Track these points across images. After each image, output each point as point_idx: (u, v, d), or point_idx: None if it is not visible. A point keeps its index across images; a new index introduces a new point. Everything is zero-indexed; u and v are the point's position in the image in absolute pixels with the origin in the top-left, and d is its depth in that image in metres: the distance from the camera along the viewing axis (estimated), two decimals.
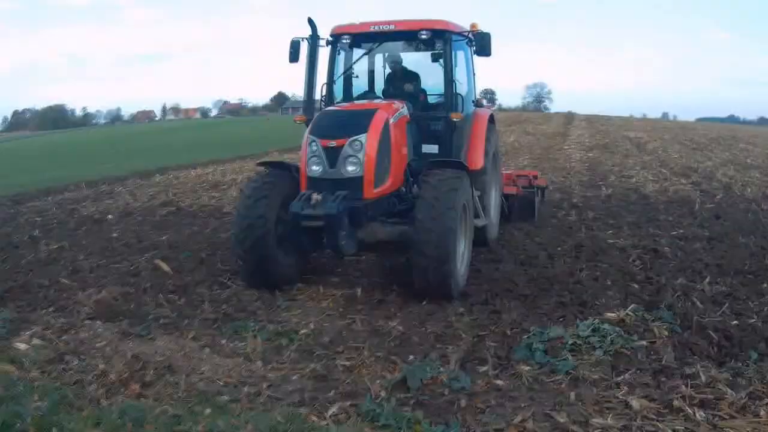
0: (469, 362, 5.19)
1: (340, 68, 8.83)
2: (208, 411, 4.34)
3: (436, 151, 8.30)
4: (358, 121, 7.26)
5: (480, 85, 9.76)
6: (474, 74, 9.49)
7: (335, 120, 7.47)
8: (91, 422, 4.21)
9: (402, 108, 7.85)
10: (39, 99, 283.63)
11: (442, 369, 4.90)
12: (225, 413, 4.26)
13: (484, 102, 10.76)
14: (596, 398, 4.42)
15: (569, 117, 51.07)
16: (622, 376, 4.77)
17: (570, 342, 5.30)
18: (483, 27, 8.24)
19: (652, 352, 5.19)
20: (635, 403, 4.31)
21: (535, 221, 10.77)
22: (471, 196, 7.73)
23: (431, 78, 8.74)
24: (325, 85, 8.72)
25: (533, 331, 5.62)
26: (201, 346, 5.63)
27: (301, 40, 8.30)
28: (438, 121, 8.38)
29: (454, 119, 8.09)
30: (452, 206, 6.82)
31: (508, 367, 5.02)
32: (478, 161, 8.69)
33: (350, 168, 7.06)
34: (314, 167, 7.14)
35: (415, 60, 9.04)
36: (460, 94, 8.37)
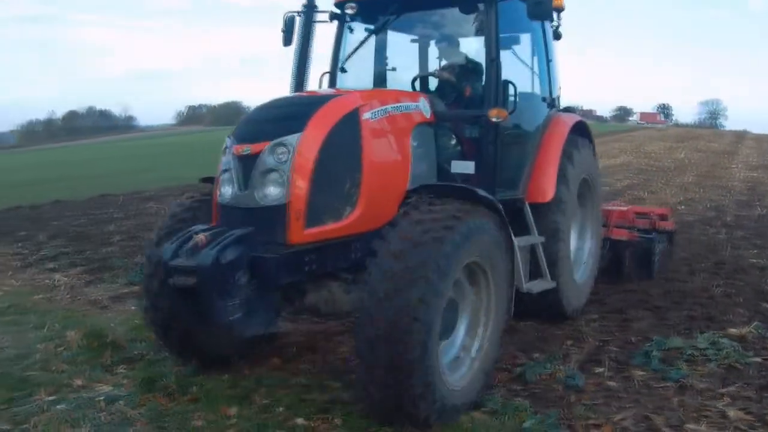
0: (588, 363, 5.50)
1: (351, 51, 6.48)
2: (337, 385, 5.01)
3: (472, 171, 5.59)
4: (292, 115, 4.64)
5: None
6: (549, 61, 6.72)
7: (264, 114, 4.83)
8: (227, 384, 5.08)
9: (407, 102, 5.31)
10: (213, 95, 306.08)
11: (560, 367, 5.31)
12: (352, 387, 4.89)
13: (559, 105, 7.14)
14: (698, 406, 4.62)
15: (740, 136, 48.85)
16: (727, 388, 4.94)
17: (687, 353, 5.54)
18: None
19: (763, 369, 5.29)
20: (732, 413, 4.49)
21: (653, 277, 8.08)
22: (501, 248, 4.74)
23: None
24: (326, 75, 6.54)
25: (654, 340, 5.87)
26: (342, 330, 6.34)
27: (296, 15, 6.19)
28: (471, 124, 5.87)
29: (494, 119, 5.43)
30: (424, 273, 4.00)
31: (623, 371, 5.28)
32: (544, 190, 6.16)
33: (266, 190, 4.41)
34: (224, 188, 4.63)
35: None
36: (510, 83, 5.58)
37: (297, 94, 5.54)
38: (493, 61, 5.54)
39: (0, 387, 5.12)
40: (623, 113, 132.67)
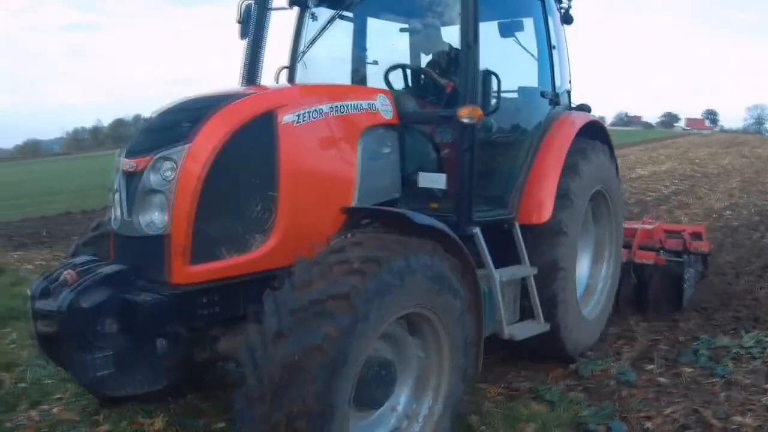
0: (639, 361, 5.69)
1: (310, 43, 5.44)
2: None
3: (442, 185, 4.52)
4: (184, 121, 3.67)
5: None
6: (552, 48, 5.57)
7: (159, 120, 3.86)
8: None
9: (356, 100, 4.27)
10: None
11: (613, 364, 5.51)
12: None
13: (570, 102, 6.03)
14: (743, 401, 4.81)
15: None
16: None
17: (733, 351, 5.73)
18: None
19: None
20: None
21: (682, 306, 6.93)
22: (453, 289, 3.62)
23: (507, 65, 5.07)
24: (284, 71, 5.51)
25: (702, 339, 6.06)
26: None
27: (254, 2, 5.07)
28: (441, 126, 4.80)
29: (465, 119, 4.26)
30: (315, 363, 2.94)
31: (673, 368, 5.50)
32: (539, 207, 5.07)
33: (148, 216, 3.56)
34: (114, 212, 3.79)
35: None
36: (492, 74, 4.44)
37: (206, 93, 4.07)
38: (470, 48, 4.41)
39: None
40: (670, 119, 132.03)
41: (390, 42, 5.87)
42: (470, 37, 4.45)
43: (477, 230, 4.53)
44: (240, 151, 3.67)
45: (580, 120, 5.64)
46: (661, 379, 5.23)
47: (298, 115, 3.89)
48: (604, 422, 4.40)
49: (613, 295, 6.32)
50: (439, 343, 3.69)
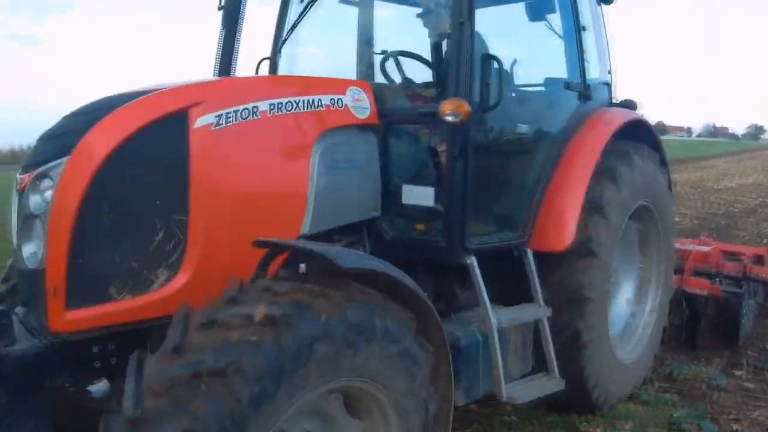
0: (729, 367, 5.72)
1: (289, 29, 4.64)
2: None
3: (430, 201, 3.60)
4: (76, 128, 2.86)
5: None
6: (583, 29, 4.48)
7: (56, 128, 3.04)
8: None
9: (315, 95, 3.37)
10: None
11: (704, 368, 5.56)
12: None
13: (611, 97, 5.02)
14: None
15: None
16: None
17: None
18: None
19: None
20: None
21: (739, 343, 5.93)
22: (401, 350, 2.66)
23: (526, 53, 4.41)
24: (265, 63, 4.72)
25: None
26: None
27: None
28: (430, 125, 3.79)
29: (449, 117, 3.34)
30: None
31: (760, 374, 5.61)
32: (558, 230, 4.04)
33: (28, 246, 2.87)
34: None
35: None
36: (492, 58, 3.52)
37: (125, 90, 3.15)
38: (462, 24, 3.41)
39: None
40: (756, 131, 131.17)
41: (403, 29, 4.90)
42: (463, 9, 3.44)
43: (472, 260, 3.59)
44: (135, 165, 2.84)
45: (619, 118, 4.54)
46: (749, 385, 5.37)
47: (219, 116, 2.98)
48: (695, 423, 4.54)
49: (660, 332, 5.24)
50: (388, 423, 2.72)
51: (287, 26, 4.65)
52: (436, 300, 3.79)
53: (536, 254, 4.02)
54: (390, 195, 3.76)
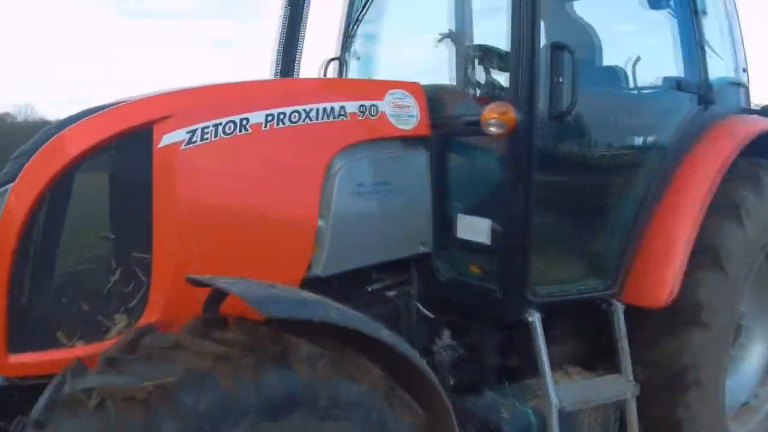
0: None
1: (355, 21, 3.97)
2: None
3: (486, 239, 2.80)
4: (30, 149, 2.46)
5: None
6: (701, 13, 3.43)
7: (29, 144, 2.52)
8: None
9: (331, 102, 2.70)
10: None
11: None
12: None
13: (745, 100, 3.82)
14: None
15: None
16: None
17: None
18: None
19: None
20: None
21: None
22: None
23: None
24: (332, 64, 4.06)
25: None
26: None
27: None
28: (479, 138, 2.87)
29: (492, 128, 2.60)
30: None
31: None
32: (663, 278, 3.07)
33: None
34: None
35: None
36: (563, 48, 2.62)
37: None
38: (521, 4, 2.60)
39: None
40: None
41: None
42: None
43: (535, 317, 2.75)
44: (85, 193, 2.43)
45: (750, 128, 3.42)
46: None
47: (193, 132, 2.42)
48: None
49: None
50: None
51: (355, 19, 3.97)
52: (500, 360, 3.00)
53: (629, 311, 3.03)
54: (446, 225, 2.99)
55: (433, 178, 2.97)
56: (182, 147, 2.41)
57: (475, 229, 2.87)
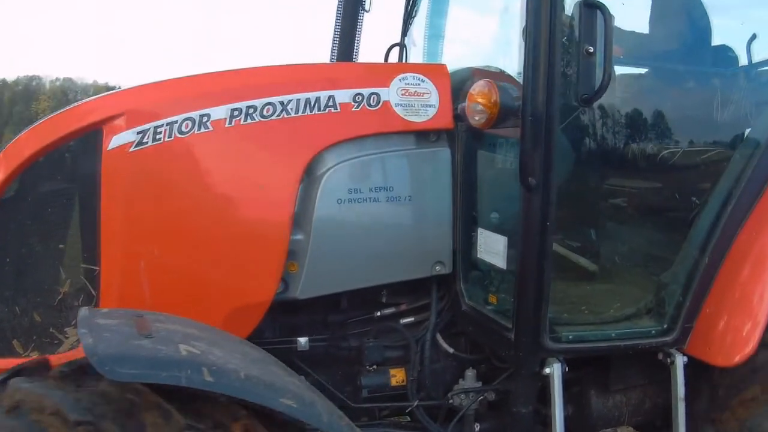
0: None
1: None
2: None
3: (500, 261, 2.25)
4: None
5: None
6: None
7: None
8: None
9: (300, 93, 2.24)
10: None
11: None
12: None
13: None
14: None
15: None
16: None
17: None
18: None
19: None
20: None
21: None
22: None
23: None
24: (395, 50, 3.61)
25: None
26: None
27: None
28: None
29: (474, 115, 2.12)
30: None
31: None
32: (729, 338, 2.25)
33: None
34: None
35: None
36: (599, 8, 1.90)
37: None
38: None
39: None
40: None
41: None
42: None
43: (553, 368, 2.17)
44: (36, 199, 2.25)
45: None
46: None
47: (143, 133, 2.14)
48: None
49: None
50: None
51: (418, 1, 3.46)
52: (534, 412, 2.39)
53: (694, 364, 2.31)
54: (471, 242, 2.43)
55: (456, 182, 2.41)
56: (131, 149, 2.15)
57: (492, 248, 2.27)
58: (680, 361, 2.29)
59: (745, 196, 2.34)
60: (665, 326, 2.33)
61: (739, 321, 2.23)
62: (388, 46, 3.61)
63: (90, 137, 2.18)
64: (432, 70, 2.45)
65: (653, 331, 2.31)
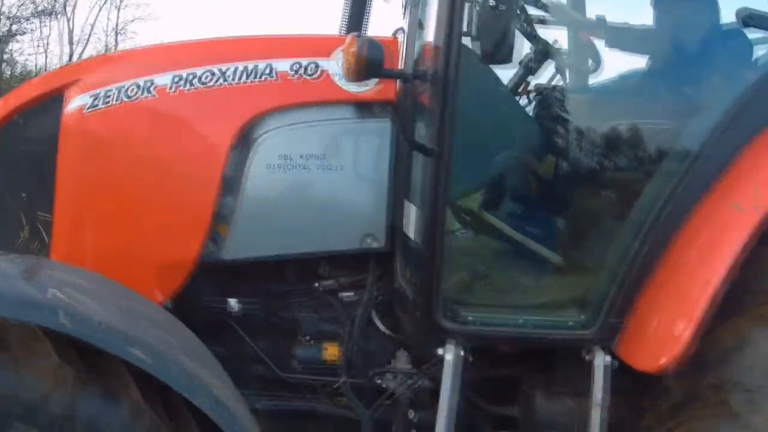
0: None
1: None
2: None
3: (411, 233, 2.12)
4: None
5: None
6: None
7: None
8: None
9: (240, 62, 2.25)
10: None
11: None
12: None
13: None
14: None
15: None
16: None
17: None
18: None
19: None
20: None
21: None
22: None
23: None
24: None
25: None
26: None
27: None
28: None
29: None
30: None
31: None
32: (671, 332, 1.83)
33: None
34: None
35: None
36: None
37: None
38: None
39: None
40: None
41: None
42: None
43: (450, 353, 2.04)
44: (11, 153, 2.51)
45: None
46: None
47: (95, 96, 2.33)
48: None
49: None
50: None
51: None
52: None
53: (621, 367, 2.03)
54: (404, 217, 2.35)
55: (394, 154, 2.34)
56: (85, 111, 2.36)
57: (410, 220, 2.17)
58: (601, 360, 2.01)
59: (691, 187, 2.05)
60: (586, 319, 2.07)
61: (669, 321, 1.92)
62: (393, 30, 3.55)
63: (55, 101, 2.42)
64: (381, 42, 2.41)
65: (571, 323, 2.07)
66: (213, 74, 2.35)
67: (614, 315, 2.04)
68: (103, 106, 2.35)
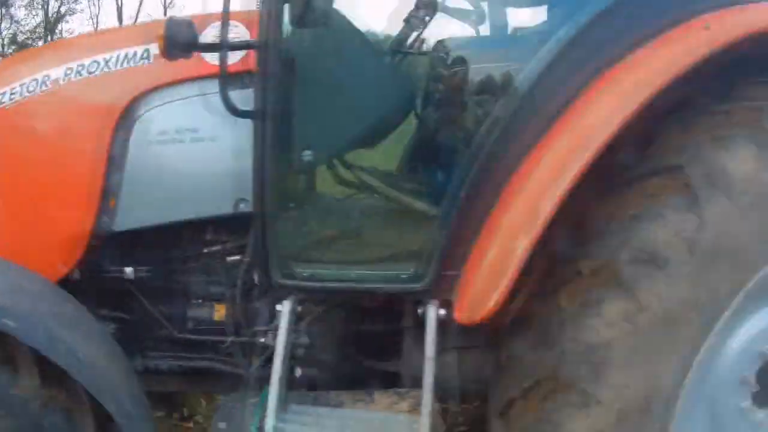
0: None
1: None
2: None
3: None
4: None
5: None
6: None
7: None
8: None
9: (121, 49, 2.45)
10: None
11: None
12: None
13: None
14: None
15: None
16: None
17: None
18: None
19: None
20: None
21: None
22: None
23: None
24: None
25: None
26: None
27: None
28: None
29: None
30: None
31: None
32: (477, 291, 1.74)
33: None
34: None
35: None
36: None
37: None
38: None
39: None
40: None
41: None
42: None
43: (284, 307, 2.21)
44: None
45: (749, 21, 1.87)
46: None
47: (3, 94, 2.62)
48: None
49: None
50: None
51: None
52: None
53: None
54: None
55: None
56: (6, 107, 2.62)
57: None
58: (433, 313, 2.01)
59: (525, 133, 2.00)
60: (418, 271, 2.07)
61: (493, 271, 1.89)
62: None
63: None
64: (249, 16, 2.55)
65: (403, 276, 2.07)
66: (98, 63, 2.58)
67: (448, 267, 2.04)
68: (10, 102, 2.61)
